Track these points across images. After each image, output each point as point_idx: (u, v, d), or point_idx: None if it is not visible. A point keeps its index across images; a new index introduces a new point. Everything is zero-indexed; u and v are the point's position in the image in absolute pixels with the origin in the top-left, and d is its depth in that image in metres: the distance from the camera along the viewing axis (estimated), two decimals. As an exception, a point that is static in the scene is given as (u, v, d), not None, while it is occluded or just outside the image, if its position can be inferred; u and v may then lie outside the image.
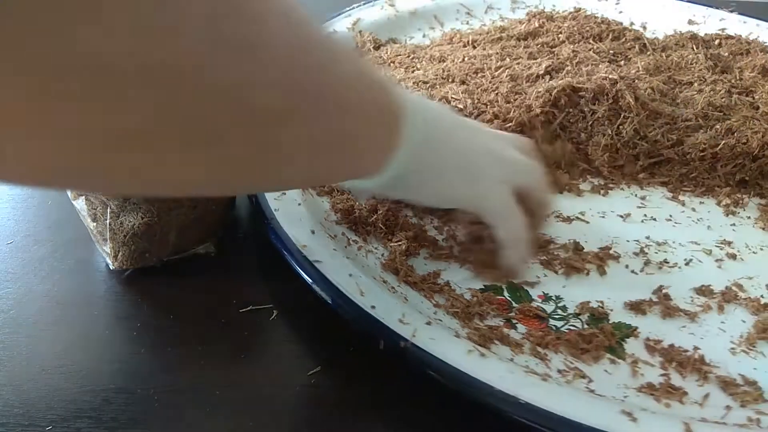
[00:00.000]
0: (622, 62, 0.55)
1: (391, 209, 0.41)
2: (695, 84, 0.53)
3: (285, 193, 0.40)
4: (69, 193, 0.37)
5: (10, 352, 0.34)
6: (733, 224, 0.45)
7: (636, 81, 0.51)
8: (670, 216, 0.45)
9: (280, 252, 0.36)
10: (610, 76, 0.49)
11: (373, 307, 0.33)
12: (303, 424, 0.31)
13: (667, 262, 0.41)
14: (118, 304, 0.37)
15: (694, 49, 0.58)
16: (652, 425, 0.29)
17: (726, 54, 0.58)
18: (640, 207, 0.46)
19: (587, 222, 0.44)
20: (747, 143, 0.47)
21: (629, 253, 0.41)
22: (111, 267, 0.38)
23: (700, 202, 0.47)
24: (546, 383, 0.31)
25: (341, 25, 0.62)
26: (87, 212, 0.37)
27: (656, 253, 0.42)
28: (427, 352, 0.31)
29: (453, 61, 0.55)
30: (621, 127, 0.48)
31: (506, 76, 0.51)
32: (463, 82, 0.52)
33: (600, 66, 0.52)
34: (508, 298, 0.38)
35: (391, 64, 0.56)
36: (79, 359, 0.34)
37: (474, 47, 0.59)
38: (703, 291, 0.39)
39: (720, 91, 0.52)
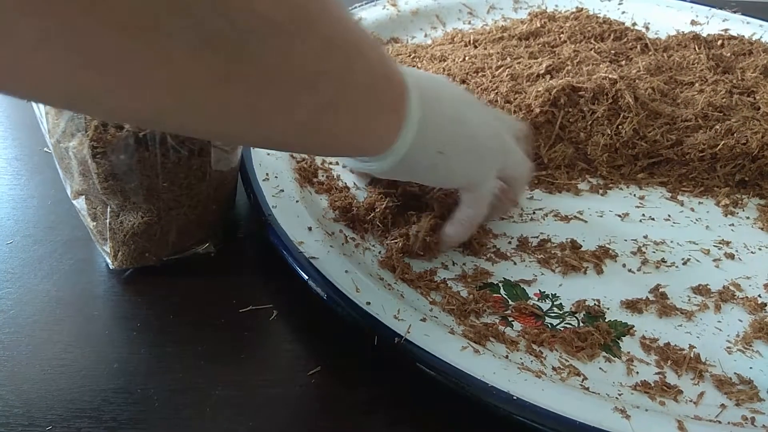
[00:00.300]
0: (624, 62, 0.55)
1: (389, 207, 0.41)
2: (696, 84, 0.53)
3: (283, 190, 0.40)
4: (69, 192, 0.37)
5: (10, 352, 0.34)
6: (732, 224, 0.45)
7: (636, 81, 0.51)
8: (669, 216, 0.45)
9: (277, 248, 0.37)
10: (610, 76, 0.49)
11: (368, 303, 0.33)
12: (303, 424, 0.32)
13: (665, 262, 0.41)
14: (117, 304, 0.37)
15: (696, 50, 0.58)
16: (646, 423, 0.30)
17: (728, 54, 0.58)
18: (638, 207, 0.46)
19: (585, 221, 0.44)
20: (747, 144, 0.47)
21: (627, 252, 0.41)
22: (111, 266, 0.38)
23: (699, 203, 0.47)
24: (540, 380, 0.31)
25: (343, 24, 0.62)
26: (87, 211, 0.37)
27: (654, 252, 0.42)
28: (421, 348, 0.31)
29: (454, 60, 0.55)
30: (620, 126, 0.48)
31: (506, 76, 0.51)
32: (463, 81, 0.52)
33: (601, 66, 0.52)
34: (504, 296, 0.38)
35: (392, 64, 0.56)
36: (79, 359, 0.34)
37: (475, 47, 0.59)
38: (701, 290, 0.39)
39: (721, 91, 0.52)
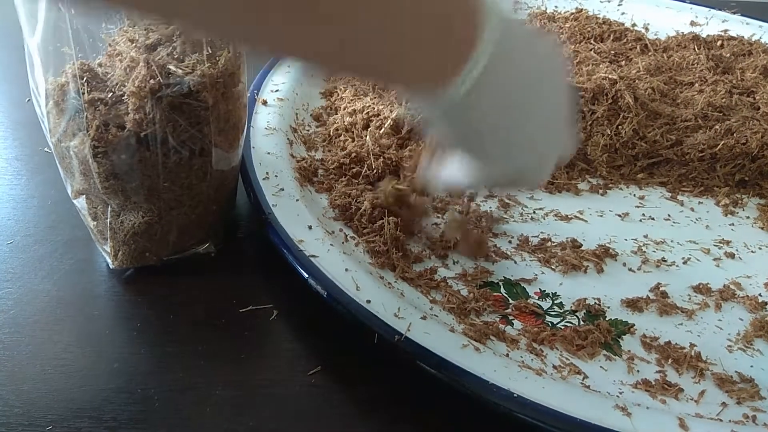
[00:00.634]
0: (623, 62, 0.55)
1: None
2: (696, 84, 0.53)
3: (283, 189, 0.40)
4: (70, 191, 0.37)
5: (11, 351, 0.34)
6: (732, 224, 0.45)
7: (636, 81, 0.51)
8: (669, 215, 0.45)
9: (277, 247, 0.37)
10: (610, 76, 0.49)
11: (368, 301, 0.33)
12: (303, 424, 0.31)
13: (665, 261, 0.41)
14: (118, 304, 0.37)
15: (695, 50, 0.58)
16: (647, 421, 0.30)
17: (728, 55, 0.58)
18: (638, 206, 0.46)
19: (585, 221, 0.44)
20: (746, 143, 0.47)
21: (627, 251, 0.41)
22: (111, 266, 0.38)
23: (699, 202, 0.47)
24: (541, 378, 0.31)
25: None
26: (87, 211, 0.37)
27: (654, 251, 0.42)
28: (421, 346, 0.31)
29: (453, 61, 0.55)
30: (620, 127, 0.48)
31: (506, 76, 0.51)
32: (463, 82, 0.52)
33: (600, 66, 0.52)
34: (505, 295, 0.38)
35: (392, 64, 0.56)
36: (79, 359, 0.34)
37: (475, 47, 0.59)
38: (701, 289, 0.39)
39: (720, 91, 0.52)
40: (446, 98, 0.27)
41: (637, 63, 0.54)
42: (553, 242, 0.42)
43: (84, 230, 0.39)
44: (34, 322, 0.36)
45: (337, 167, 0.44)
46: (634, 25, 0.66)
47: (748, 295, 0.39)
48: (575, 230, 0.43)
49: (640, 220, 0.44)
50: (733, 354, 0.35)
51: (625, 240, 0.42)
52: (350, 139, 0.46)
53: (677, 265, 0.41)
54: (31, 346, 0.34)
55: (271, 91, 0.51)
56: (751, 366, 0.34)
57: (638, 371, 0.33)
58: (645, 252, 0.42)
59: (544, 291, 0.38)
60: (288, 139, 0.47)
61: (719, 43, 0.60)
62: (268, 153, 0.44)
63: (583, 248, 0.41)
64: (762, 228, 0.44)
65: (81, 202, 0.37)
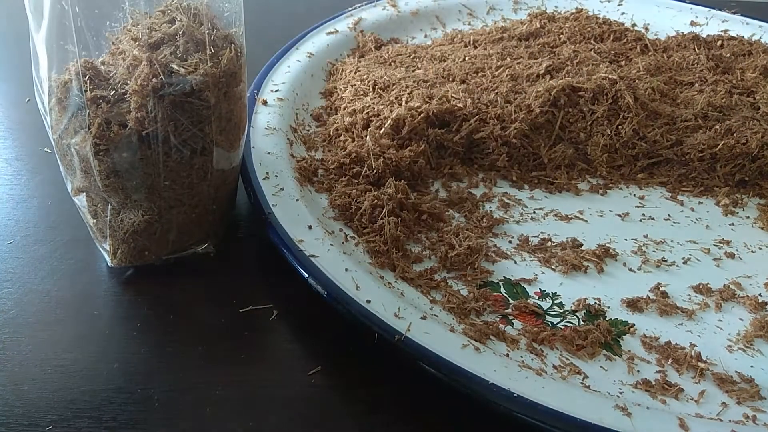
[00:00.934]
0: (623, 62, 0.55)
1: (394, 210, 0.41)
2: (696, 84, 0.54)
3: (283, 189, 0.40)
4: (70, 189, 0.37)
5: (10, 352, 0.34)
6: (732, 224, 0.45)
7: (636, 81, 0.51)
8: (669, 215, 0.45)
9: (277, 247, 0.37)
10: (610, 76, 0.49)
11: (368, 301, 0.33)
12: (303, 424, 0.31)
13: (665, 261, 0.41)
14: (118, 304, 0.37)
15: (695, 50, 0.58)
16: (647, 421, 0.30)
17: (728, 55, 0.58)
18: (638, 206, 0.46)
19: (585, 221, 0.44)
20: (746, 144, 0.47)
21: (627, 251, 0.41)
22: (110, 264, 0.38)
23: (699, 202, 0.47)
24: (541, 378, 0.31)
25: (343, 24, 0.62)
26: (87, 209, 0.37)
27: (654, 251, 0.42)
28: (421, 345, 0.31)
29: (454, 60, 0.55)
30: (620, 127, 0.48)
31: (506, 76, 0.51)
32: (463, 81, 0.52)
33: (600, 66, 0.52)
34: (505, 295, 0.38)
35: (392, 64, 0.56)
36: (79, 359, 0.34)
37: (475, 47, 0.59)
38: (701, 289, 0.39)
39: (720, 91, 0.52)
40: None
41: (637, 63, 0.54)
42: (553, 242, 0.42)
43: (84, 230, 0.39)
44: (34, 323, 0.36)
45: (337, 167, 0.44)
46: (634, 25, 0.66)
47: (748, 295, 0.39)
48: (575, 230, 0.43)
49: (640, 220, 0.44)
50: (733, 354, 0.35)
51: (625, 240, 0.42)
52: (350, 139, 0.46)
53: (677, 265, 0.41)
54: (31, 346, 0.34)
55: (271, 91, 0.51)
56: (752, 366, 0.34)
57: (638, 371, 0.33)
58: (645, 252, 0.42)
59: (544, 291, 0.38)
60: (288, 139, 0.47)
61: (719, 43, 0.60)
62: (268, 153, 0.44)
63: (583, 248, 0.41)
64: (762, 228, 0.44)
65: (81, 200, 0.37)
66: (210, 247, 0.40)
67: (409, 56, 0.57)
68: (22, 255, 0.40)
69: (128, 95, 0.33)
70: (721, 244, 0.43)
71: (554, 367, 0.33)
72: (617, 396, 0.31)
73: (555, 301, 0.38)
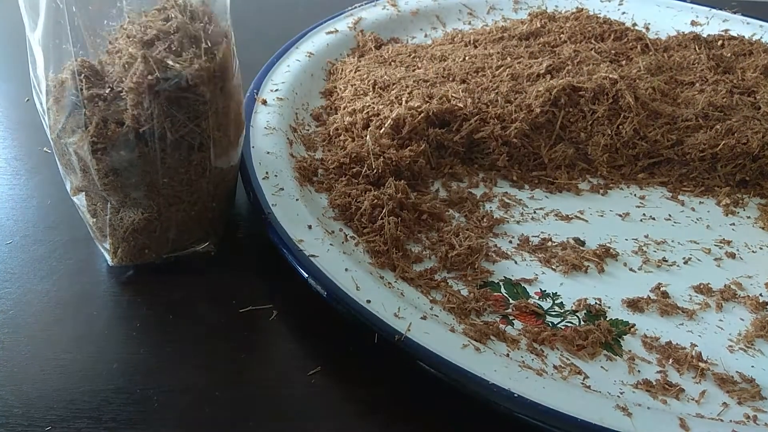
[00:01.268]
0: (624, 62, 0.55)
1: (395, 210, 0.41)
2: (696, 84, 0.53)
3: (283, 189, 0.40)
4: (69, 188, 0.37)
5: (10, 352, 0.34)
6: (733, 224, 0.45)
7: (636, 81, 0.51)
8: (670, 215, 0.45)
9: (277, 246, 0.36)
10: (611, 76, 0.49)
11: (368, 301, 0.33)
12: (303, 424, 0.31)
13: (666, 261, 0.41)
14: (117, 304, 0.37)
15: (696, 50, 0.58)
16: (648, 421, 0.29)
17: (728, 54, 0.58)
18: (639, 206, 0.46)
19: (586, 221, 0.44)
20: (747, 143, 0.47)
21: (628, 251, 0.41)
22: (110, 263, 0.38)
23: (700, 202, 0.46)
24: (541, 378, 0.31)
25: (343, 24, 0.62)
26: (86, 208, 0.37)
27: (655, 251, 0.42)
28: (421, 345, 0.31)
29: (454, 60, 0.55)
30: (621, 126, 0.48)
31: (507, 76, 0.51)
32: (463, 81, 0.52)
33: (601, 66, 0.52)
34: (505, 295, 0.38)
35: (392, 63, 0.56)
36: (79, 359, 0.34)
37: (475, 47, 0.59)
38: (702, 289, 0.39)
39: (721, 91, 0.52)
40: None
41: (637, 63, 0.54)
42: (554, 242, 0.42)
43: (83, 230, 0.39)
44: (33, 323, 0.36)
45: (336, 167, 0.44)
46: (634, 24, 0.66)
47: (749, 295, 0.39)
48: (576, 230, 0.43)
49: (641, 220, 0.44)
50: (734, 354, 0.35)
51: (626, 240, 0.42)
52: (350, 139, 0.46)
53: (678, 265, 0.41)
54: (30, 346, 0.34)
55: (271, 90, 0.51)
56: (752, 366, 0.34)
57: (639, 371, 0.33)
58: (646, 252, 0.41)
59: (545, 291, 0.38)
60: (288, 138, 0.46)
61: (720, 42, 0.60)
62: (268, 152, 0.44)
63: (583, 248, 0.41)
64: (763, 228, 0.44)
65: (80, 199, 0.37)
66: (210, 246, 0.40)
67: (409, 56, 0.57)
68: (21, 255, 0.40)
69: (124, 93, 0.33)
70: (722, 244, 0.43)
71: (555, 367, 0.33)
72: (618, 396, 0.31)
73: (555, 301, 0.37)
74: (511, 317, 0.36)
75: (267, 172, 0.41)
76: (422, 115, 0.46)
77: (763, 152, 0.47)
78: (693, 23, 0.67)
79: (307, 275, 0.35)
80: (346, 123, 0.48)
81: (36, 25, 0.32)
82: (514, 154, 0.47)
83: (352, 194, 0.41)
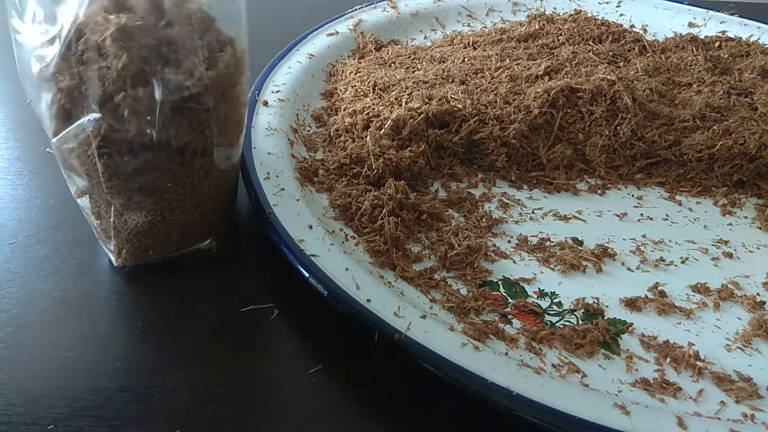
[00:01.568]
0: (622, 63, 0.56)
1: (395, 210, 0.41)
2: (694, 85, 0.54)
3: (284, 189, 0.41)
4: (72, 191, 0.37)
5: (13, 351, 0.34)
6: (730, 224, 0.45)
7: (634, 82, 0.51)
8: (667, 215, 0.45)
9: (278, 246, 0.37)
10: (608, 77, 0.49)
11: (368, 300, 0.33)
12: (303, 424, 0.32)
13: (664, 260, 0.41)
14: (120, 304, 0.37)
15: (693, 51, 0.58)
16: (646, 419, 0.30)
17: (726, 56, 0.58)
18: (636, 206, 0.46)
19: (584, 221, 0.44)
20: (744, 144, 0.47)
21: (626, 251, 0.42)
22: (114, 263, 0.38)
23: (697, 202, 0.47)
24: (540, 377, 0.31)
25: (343, 26, 0.63)
26: (90, 210, 0.38)
27: (652, 251, 0.42)
28: (421, 344, 0.31)
29: (453, 61, 0.56)
30: (618, 127, 0.48)
31: (505, 77, 0.52)
32: (462, 83, 0.52)
33: (599, 67, 0.53)
34: (504, 294, 0.38)
35: (392, 65, 0.57)
36: (82, 358, 0.34)
37: (474, 48, 0.59)
38: (699, 288, 0.39)
39: (718, 92, 0.52)
40: None
41: (635, 64, 0.55)
42: (552, 242, 0.42)
43: (86, 230, 0.39)
44: (36, 322, 0.36)
45: (337, 167, 0.44)
46: (632, 26, 0.66)
47: (746, 295, 0.39)
48: (574, 230, 0.43)
49: (639, 220, 0.45)
50: (731, 353, 0.35)
51: (624, 240, 0.43)
52: (350, 140, 0.47)
53: (675, 265, 0.41)
54: (34, 345, 0.35)
55: (272, 92, 0.51)
56: (750, 365, 0.34)
57: (637, 370, 0.34)
58: (643, 252, 0.42)
59: (543, 290, 0.38)
60: (289, 139, 0.47)
61: (717, 44, 0.60)
62: (269, 153, 0.44)
63: (581, 248, 0.42)
64: (760, 228, 0.45)
65: (84, 201, 0.38)
66: (213, 243, 0.40)
67: (409, 57, 0.58)
68: (24, 255, 0.40)
69: (123, 103, 0.33)
70: (719, 244, 0.43)
71: (553, 365, 0.33)
72: (616, 394, 0.32)
73: (554, 301, 0.38)
74: (509, 316, 0.36)
75: (268, 173, 0.42)
76: (422, 116, 0.47)
77: (760, 153, 0.47)
78: (690, 25, 0.67)
79: (307, 275, 0.35)
80: (346, 124, 0.48)
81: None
82: (512, 155, 0.48)
83: (352, 194, 0.42)
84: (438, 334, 0.32)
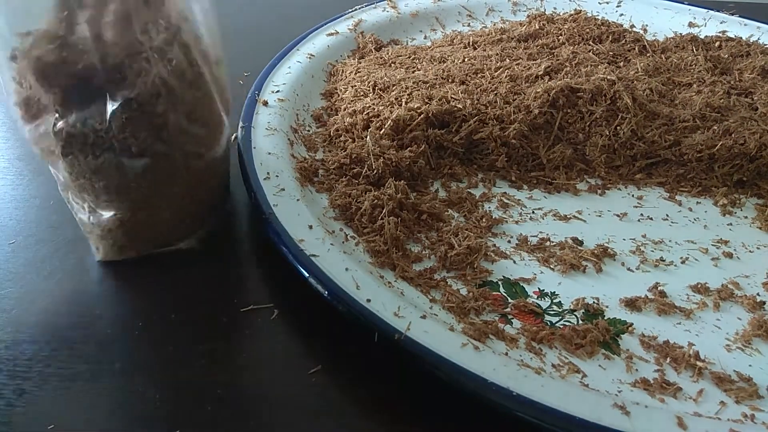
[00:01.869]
0: (622, 63, 0.56)
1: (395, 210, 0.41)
2: (694, 85, 0.54)
3: (284, 189, 0.41)
4: (59, 187, 0.38)
5: (12, 351, 0.34)
6: (730, 224, 0.45)
7: (634, 82, 0.51)
8: (667, 215, 0.45)
9: (278, 246, 0.37)
10: (608, 77, 0.49)
11: (368, 300, 0.33)
12: (303, 424, 0.32)
13: (664, 260, 0.41)
14: (119, 304, 0.37)
15: (693, 51, 0.58)
16: (646, 419, 0.30)
17: (726, 56, 0.58)
18: (636, 206, 0.46)
19: (584, 221, 0.44)
20: (744, 144, 0.47)
21: (626, 251, 0.42)
22: (96, 259, 0.39)
23: (697, 202, 0.47)
24: (540, 377, 0.31)
25: (343, 26, 0.63)
26: (71, 206, 0.38)
27: (652, 251, 0.42)
28: (421, 344, 0.31)
29: (453, 61, 0.56)
30: (619, 127, 0.48)
31: (506, 77, 0.52)
32: (462, 83, 0.52)
33: (599, 67, 0.53)
34: (504, 294, 0.38)
35: (392, 65, 0.57)
36: (81, 359, 0.34)
37: (474, 48, 0.59)
38: (699, 288, 0.39)
39: (719, 92, 0.52)
40: None
41: (635, 64, 0.55)
42: (552, 242, 0.42)
43: (85, 231, 0.39)
44: (35, 322, 0.36)
45: (337, 167, 0.45)
46: (632, 26, 0.67)
47: (746, 295, 0.39)
48: (574, 230, 0.43)
49: (639, 220, 0.45)
50: (731, 353, 0.35)
51: (624, 240, 0.43)
52: (350, 140, 0.47)
53: (675, 265, 0.41)
54: (33, 345, 0.35)
55: (272, 92, 0.51)
56: (750, 365, 0.34)
57: (637, 370, 0.34)
58: (643, 252, 0.42)
59: (543, 290, 0.38)
60: (289, 139, 0.47)
61: (717, 44, 0.60)
62: (269, 153, 0.44)
63: (581, 248, 0.42)
64: (760, 228, 0.45)
65: (68, 197, 0.38)
66: (192, 242, 0.40)
67: (409, 57, 0.58)
68: (24, 255, 0.40)
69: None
70: (719, 244, 0.43)
71: (553, 365, 0.33)
72: (616, 395, 0.32)
73: (554, 301, 0.38)
74: (509, 316, 0.36)
75: (268, 173, 0.42)
76: (422, 116, 0.47)
77: (761, 153, 0.47)
78: (690, 25, 0.67)
79: (307, 275, 0.35)
80: (346, 124, 0.48)
81: None
82: (512, 155, 0.48)
83: (352, 194, 0.42)
84: (438, 334, 0.32)
